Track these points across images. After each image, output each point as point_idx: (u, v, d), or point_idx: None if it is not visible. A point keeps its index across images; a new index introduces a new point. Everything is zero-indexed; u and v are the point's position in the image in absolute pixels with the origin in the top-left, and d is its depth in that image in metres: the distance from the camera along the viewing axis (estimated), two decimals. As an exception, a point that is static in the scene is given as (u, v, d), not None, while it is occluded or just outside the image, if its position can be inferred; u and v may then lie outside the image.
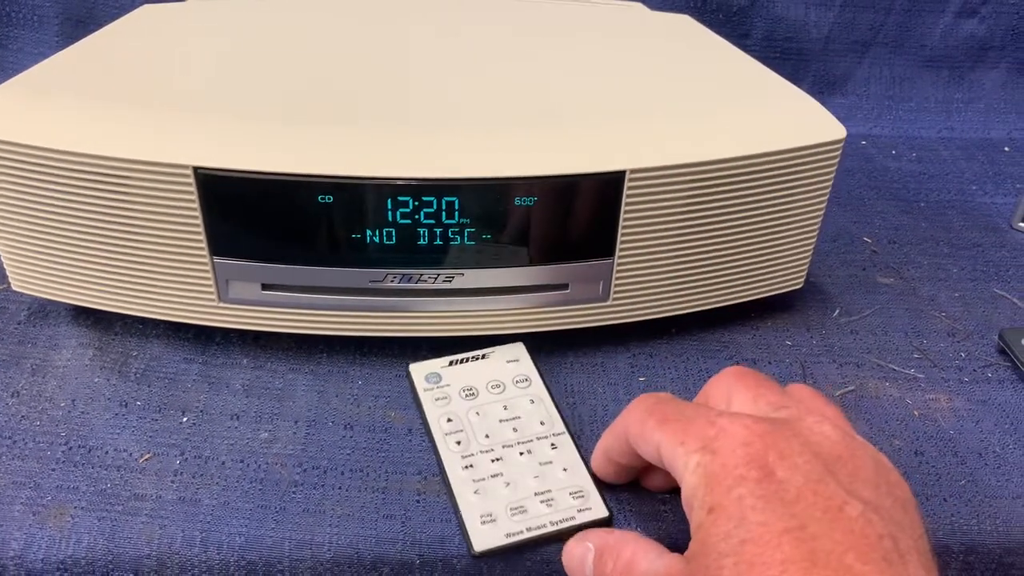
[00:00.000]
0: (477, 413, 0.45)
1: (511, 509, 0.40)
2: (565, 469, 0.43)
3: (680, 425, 0.34)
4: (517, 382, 0.47)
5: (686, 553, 0.32)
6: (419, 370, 0.48)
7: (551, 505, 0.40)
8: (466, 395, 0.46)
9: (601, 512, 0.40)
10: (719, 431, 0.32)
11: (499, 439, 0.44)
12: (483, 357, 0.49)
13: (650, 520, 0.42)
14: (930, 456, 0.46)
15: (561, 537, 0.39)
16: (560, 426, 0.45)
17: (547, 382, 0.48)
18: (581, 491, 0.41)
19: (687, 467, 0.32)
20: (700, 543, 0.30)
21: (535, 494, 0.41)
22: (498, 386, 0.47)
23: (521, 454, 0.43)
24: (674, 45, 0.64)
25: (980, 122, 0.91)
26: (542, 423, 0.45)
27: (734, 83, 0.56)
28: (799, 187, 0.49)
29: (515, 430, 0.44)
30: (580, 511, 0.40)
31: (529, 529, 0.39)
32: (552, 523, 0.40)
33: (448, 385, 0.47)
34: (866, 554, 0.27)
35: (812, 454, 0.31)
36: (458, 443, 0.43)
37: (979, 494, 0.44)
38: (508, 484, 0.41)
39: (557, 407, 0.46)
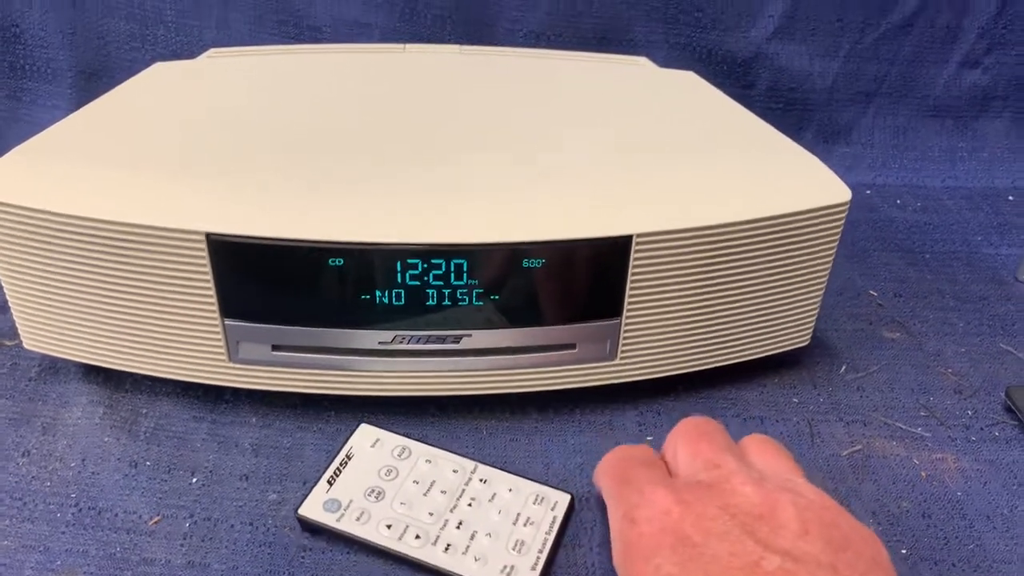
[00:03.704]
0: (402, 503, 0.43)
1: (512, 549, 0.41)
2: (510, 490, 0.44)
3: (622, 489, 0.36)
4: (399, 456, 0.46)
5: None
6: (310, 508, 0.43)
7: (531, 523, 0.42)
8: (375, 497, 0.43)
9: (565, 498, 0.44)
10: (643, 500, 0.34)
11: (442, 508, 0.43)
12: (348, 459, 0.46)
13: None
14: (938, 519, 0.46)
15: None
16: (469, 462, 0.46)
17: (417, 436, 0.48)
18: (538, 495, 0.44)
19: (612, 533, 0.35)
20: None
21: (513, 524, 0.42)
22: (390, 472, 0.45)
23: (469, 505, 0.43)
24: (679, 104, 0.65)
25: (984, 171, 0.92)
26: (455, 471, 0.45)
27: (739, 144, 0.56)
28: (804, 249, 0.50)
29: (443, 492, 0.44)
30: (552, 508, 0.43)
31: (540, 551, 0.41)
32: (546, 534, 0.42)
33: (350, 500, 0.43)
34: None
35: (729, 516, 0.32)
36: (417, 537, 0.41)
37: (987, 559, 0.43)
38: (489, 534, 0.42)
39: (447, 449, 0.47)
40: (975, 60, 0.90)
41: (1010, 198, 0.88)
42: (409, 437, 0.47)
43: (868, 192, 0.87)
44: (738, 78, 0.89)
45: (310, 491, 0.44)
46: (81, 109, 0.56)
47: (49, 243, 0.45)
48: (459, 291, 0.46)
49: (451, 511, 0.43)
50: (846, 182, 0.51)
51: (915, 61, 0.90)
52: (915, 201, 0.86)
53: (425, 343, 0.47)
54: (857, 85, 0.91)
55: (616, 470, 0.38)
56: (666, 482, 0.35)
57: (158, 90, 0.61)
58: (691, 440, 0.38)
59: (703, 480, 0.35)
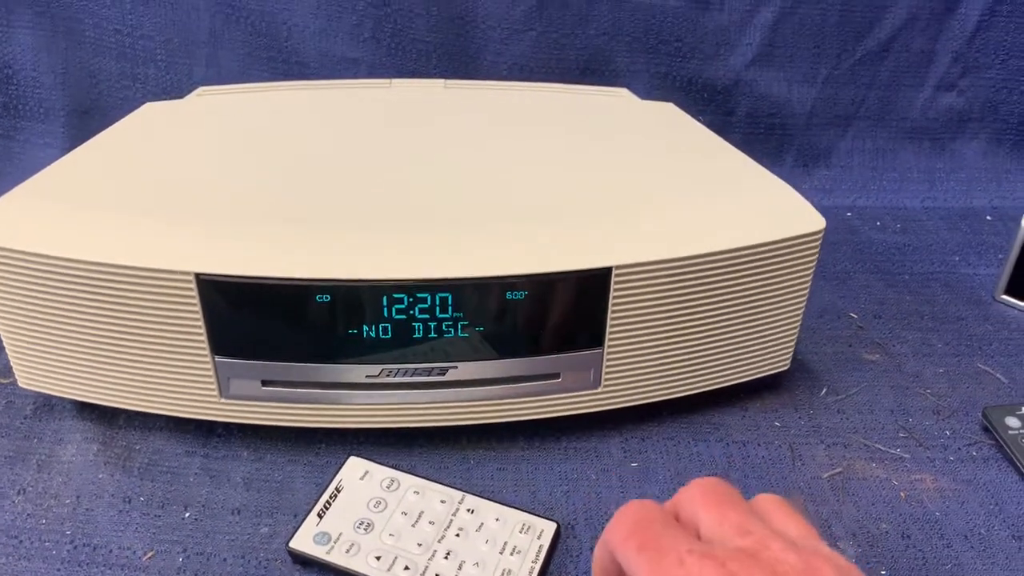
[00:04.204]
0: (391, 535, 0.44)
1: None
2: (497, 519, 0.45)
3: (655, 557, 0.34)
4: (388, 488, 0.47)
5: None
6: (301, 541, 0.44)
7: (518, 552, 0.44)
8: (364, 529, 0.44)
9: (551, 526, 0.45)
10: (685, 572, 0.32)
11: (430, 538, 0.44)
12: (338, 492, 0.47)
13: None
14: (916, 539, 0.47)
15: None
16: (456, 493, 0.47)
17: (405, 467, 0.49)
18: (524, 524, 0.45)
19: None
20: None
21: (500, 553, 0.43)
22: (379, 504, 0.46)
23: (457, 535, 0.44)
24: (658, 136, 0.67)
25: (962, 191, 0.94)
26: (443, 501, 0.46)
27: (716, 175, 0.58)
28: (780, 276, 0.51)
29: (431, 523, 0.45)
30: (539, 537, 0.44)
31: None
32: (532, 563, 0.43)
33: (340, 533, 0.44)
34: None
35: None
36: (406, 568, 0.42)
37: (965, 578, 0.45)
38: (477, 564, 0.43)
39: (435, 480, 0.48)
40: (950, 83, 0.92)
41: (988, 218, 0.89)
42: (397, 469, 0.48)
43: (848, 214, 0.89)
44: (719, 105, 0.91)
45: (300, 524, 0.45)
46: (72, 152, 0.57)
47: (43, 284, 0.46)
48: (444, 324, 0.47)
49: (439, 541, 0.44)
50: (826, 205, 0.52)
51: (892, 85, 0.92)
52: (894, 222, 0.88)
53: (412, 375, 0.48)
54: (835, 109, 0.93)
55: (642, 537, 0.36)
56: (704, 550, 0.34)
57: (148, 131, 0.63)
58: (713, 505, 0.37)
59: (742, 547, 0.34)
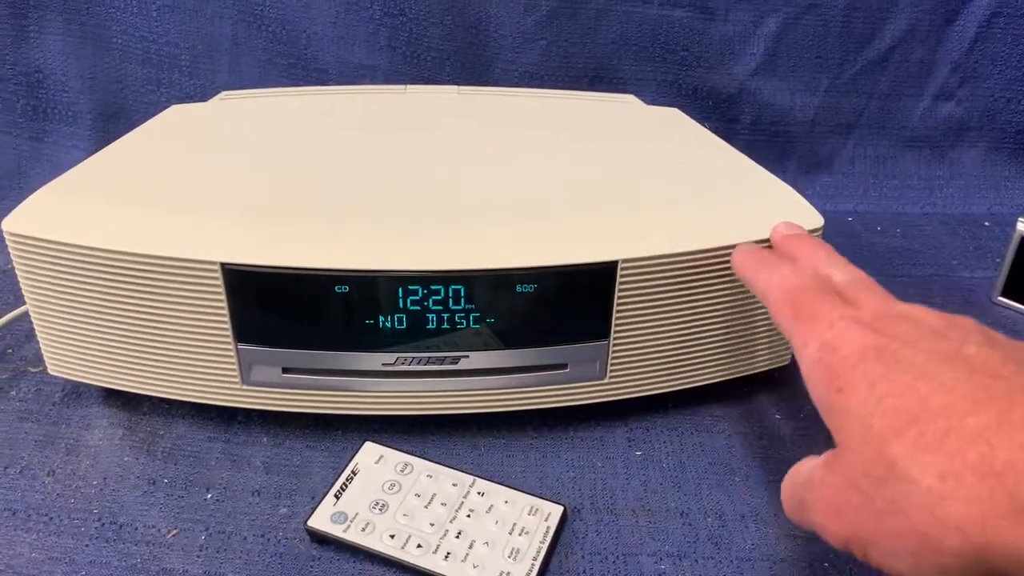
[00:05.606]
0: (404, 515, 0.46)
1: (508, 557, 0.44)
2: (506, 502, 0.47)
3: (807, 325, 0.38)
4: (402, 471, 0.49)
5: (832, 451, 0.34)
6: (319, 520, 0.46)
7: (526, 532, 0.45)
8: (379, 509, 0.46)
9: (558, 509, 0.47)
10: (837, 334, 0.36)
11: (442, 518, 0.46)
12: (354, 475, 0.49)
13: None
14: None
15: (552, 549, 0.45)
16: (467, 477, 0.49)
17: (418, 453, 0.51)
18: (532, 506, 0.47)
19: (812, 366, 0.36)
20: (840, 419, 0.33)
21: (509, 534, 0.45)
22: (393, 486, 0.48)
23: (468, 516, 0.46)
24: (663, 139, 0.69)
25: (961, 198, 0.95)
26: (454, 485, 0.48)
27: (718, 175, 0.60)
28: (780, 272, 0.53)
29: (443, 504, 0.47)
30: (546, 519, 0.46)
31: (535, 559, 0.44)
32: (540, 543, 0.45)
33: (356, 513, 0.46)
34: (996, 368, 0.31)
35: (920, 327, 0.34)
36: (418, 546, 0.44)
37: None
38: (487, 543, 0.44)
39: (447, 465, 0.50)
40: (949, 93, 0.94)
41: (986, 224, 0.91)
42: (411, 454, 0.50)
43: (850, 219, 0.91)
44: (723, 112, 0.93)
45: (318, 504, 0.47)
46: (103, 150, 0.59)
47: (74, 274, 0.48)
48: (457, 315, 0.49)
49: (451, 522, 0.46)
50: (828, 210, 0.54)
51: (892, 94, 0.94)
52: (895, 227, 0.89)
53: (425, 364, 0.50)
54: (837, 118, 0.95)
55: (798, 304, 0.40)
56: (853, 315, 0.37)
57: (174, 131, 0.65)
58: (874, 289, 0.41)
59: (889, 312, 0.37)
